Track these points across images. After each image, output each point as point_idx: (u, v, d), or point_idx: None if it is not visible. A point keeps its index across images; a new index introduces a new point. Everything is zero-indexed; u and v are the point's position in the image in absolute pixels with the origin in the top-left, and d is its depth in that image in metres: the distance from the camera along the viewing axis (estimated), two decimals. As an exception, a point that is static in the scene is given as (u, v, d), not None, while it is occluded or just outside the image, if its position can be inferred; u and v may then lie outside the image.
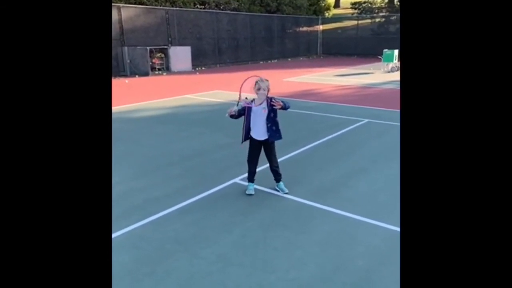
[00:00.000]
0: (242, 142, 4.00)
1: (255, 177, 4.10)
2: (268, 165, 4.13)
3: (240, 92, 3.72)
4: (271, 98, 3.78)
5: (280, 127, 3.91)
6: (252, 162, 4.03)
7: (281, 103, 3.70)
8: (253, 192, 4.03)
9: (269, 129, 3.84)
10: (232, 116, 3.84)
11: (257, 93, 3.77)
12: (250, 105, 3.79)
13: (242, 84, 3.71)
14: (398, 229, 3.27)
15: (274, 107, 3.76)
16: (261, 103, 3.76)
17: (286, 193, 4.02)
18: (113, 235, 3.19)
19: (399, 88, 11.73)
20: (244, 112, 3.83)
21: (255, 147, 3.97)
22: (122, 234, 3.25)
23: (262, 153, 4.02)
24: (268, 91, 3.76)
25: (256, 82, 3.71)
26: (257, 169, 4.09)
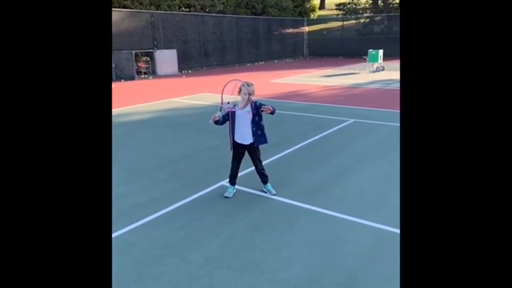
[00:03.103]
0: (231, 149, 3.95)
1: (237, 180, 4.08)
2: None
3: (222, 95, 3.69)
4: (255, 102, 3.78)
5: (266, 130, 3.90)
6: (235, 165, 4.00)
7: (271, 108, 3.69)
8: (230, 196, 4.00)
9: (254, 133, 3.81)
10: (216, 122, 3.80)
11: (241, 97, 3.75)
12: (233, 109, 3.77)
13: (224, 88, 3.68)
14: (386, 227, 3.31)
15: (262, 112, 3.74)
16: (245, 107, 3.74)
17: (274, 195, 4.02)
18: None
19: (384, 87, 11.91)
20: (228, 117, 3.82)
21: (239, 150, 3.94)
22: (109, 240, 3.21)
23: (247, 155, 4.00)
24: (252, 94, 3.72)
25: (240, 87, 3.70)
26: (246, 171, 4.08)
